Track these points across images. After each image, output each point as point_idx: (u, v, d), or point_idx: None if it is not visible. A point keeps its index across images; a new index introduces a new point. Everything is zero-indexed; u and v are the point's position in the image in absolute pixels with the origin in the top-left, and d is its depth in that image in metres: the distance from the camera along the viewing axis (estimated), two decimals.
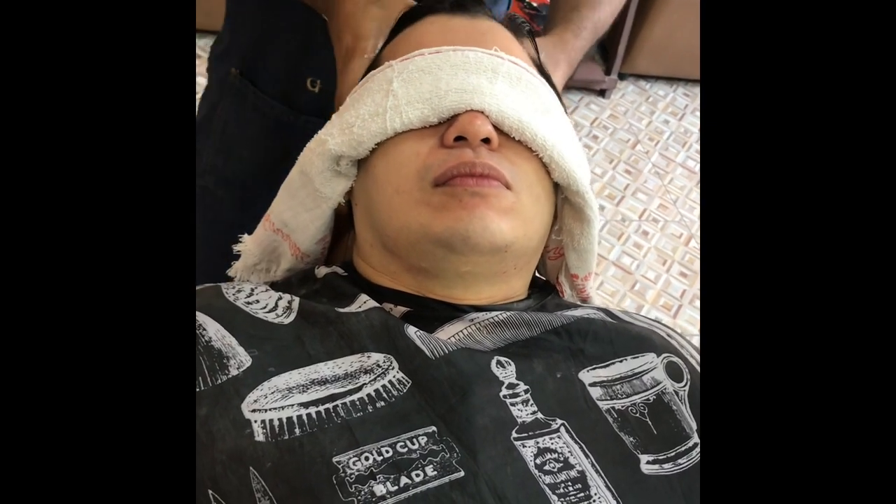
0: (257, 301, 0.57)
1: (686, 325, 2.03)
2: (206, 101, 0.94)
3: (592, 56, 2.65)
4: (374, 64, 0.64)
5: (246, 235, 0.70)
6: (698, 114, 2.78)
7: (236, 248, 0.70)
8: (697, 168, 2.54)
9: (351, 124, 0.59)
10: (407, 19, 0.66)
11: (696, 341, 2.01)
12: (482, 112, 0.56)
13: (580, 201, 0.61)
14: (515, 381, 0.53)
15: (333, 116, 0.63)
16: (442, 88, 0.57)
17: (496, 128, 0.57)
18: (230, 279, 0.70)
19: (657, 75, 2.82)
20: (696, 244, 2.27)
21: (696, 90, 2.87)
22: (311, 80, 0.65)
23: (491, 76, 0.58)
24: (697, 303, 2.09)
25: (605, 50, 2.69)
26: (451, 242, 0.55)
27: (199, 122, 0.94)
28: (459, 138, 0.56)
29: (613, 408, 0.55)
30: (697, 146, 2.62)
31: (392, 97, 0.58)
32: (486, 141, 0.56)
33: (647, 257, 2.20)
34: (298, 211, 0.63)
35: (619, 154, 2.50)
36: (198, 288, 0.61)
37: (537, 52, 0.68)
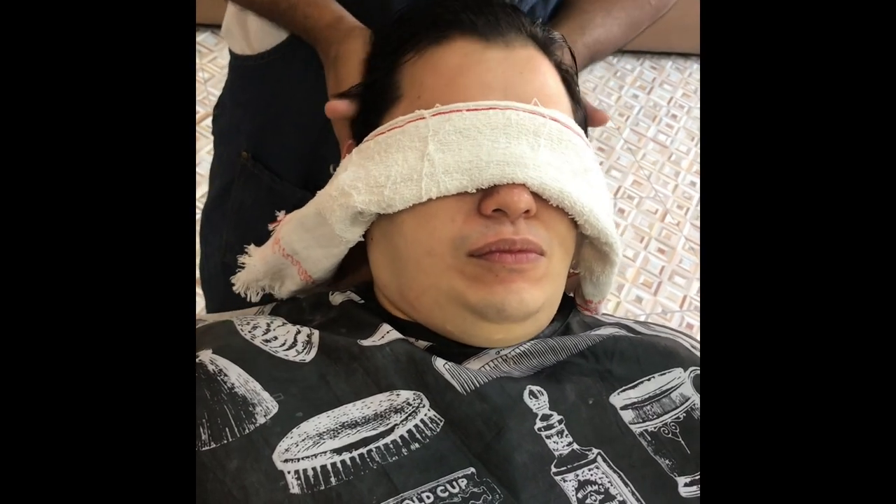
0: (275, 338, 0.55)
1: (667, 301, 2.04)
2: (217, 177, 0.89)
3: None
4: (393, 87, 0.60)
5: (252, 246, 0.67)
6: (666, 87, 2.78)
7: (241, 259, 0.67)
8: (668, 142, 2.54)
9: (381, 185, 0.56)
10: (431, 29, 0.60)
11: (678, 317, 2.00)
12: (524, 184, 0.54)
13: (608, 249, 0.60)
14: (549, 412, 0.52)
15: (353, 153, 0.60)
16: (483, 159, 0.54)
17: (535, 193, 0.55)
18: None
19: (623, 49, 2.80)
20: (671, 219, 2.28)
21: (663, 62, 2.87)
22: (333, 165, 0.61)
23: (533, 141, 0.55)
24: (677, 279, 2.11)
25: None
26: (485, 312, 0.54)
27: (214, 198, 0.90)
28: (498, 209, 0.54)
29: (646, 430, 0.54)
30: (667, 120, 2.63)
31: (428, 162, 0.55)
32: (525, 211, 0.54)
33: (625, 235, 2.20)
34: (311, 245, 0.61)
35: (591, 131, 2.49)
36: (209, 323, 0.59)
37: (576, 66, 0.66)
